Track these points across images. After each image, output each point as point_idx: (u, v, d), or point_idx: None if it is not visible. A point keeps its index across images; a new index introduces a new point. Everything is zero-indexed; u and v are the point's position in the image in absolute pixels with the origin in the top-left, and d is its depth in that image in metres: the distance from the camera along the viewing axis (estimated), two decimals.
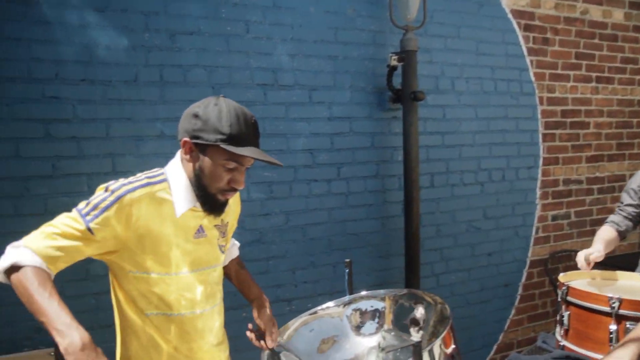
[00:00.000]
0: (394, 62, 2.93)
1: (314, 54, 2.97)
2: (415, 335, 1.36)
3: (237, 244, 1.91)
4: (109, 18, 2.50)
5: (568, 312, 2.24)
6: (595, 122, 4.08)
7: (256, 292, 1.84)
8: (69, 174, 2.45)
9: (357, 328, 2.10)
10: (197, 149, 1.43)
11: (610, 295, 2.02)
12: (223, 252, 1.66)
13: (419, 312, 1.91)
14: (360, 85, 3.13)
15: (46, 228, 1.35)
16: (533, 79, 3.76)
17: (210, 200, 1.49)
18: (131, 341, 1.54)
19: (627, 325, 1.97)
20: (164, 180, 1.49)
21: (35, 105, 2.38)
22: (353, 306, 2.13)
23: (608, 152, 4.18)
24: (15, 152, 2.36)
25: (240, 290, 1.87)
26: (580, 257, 2.40)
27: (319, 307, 2.12)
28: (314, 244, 3.04)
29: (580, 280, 2.46)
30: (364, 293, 2.12)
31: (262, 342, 1.73)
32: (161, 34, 2.61)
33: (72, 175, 2.46)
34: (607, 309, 2.03)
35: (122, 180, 1.43)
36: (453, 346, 1.71)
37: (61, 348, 1.16)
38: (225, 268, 1.84)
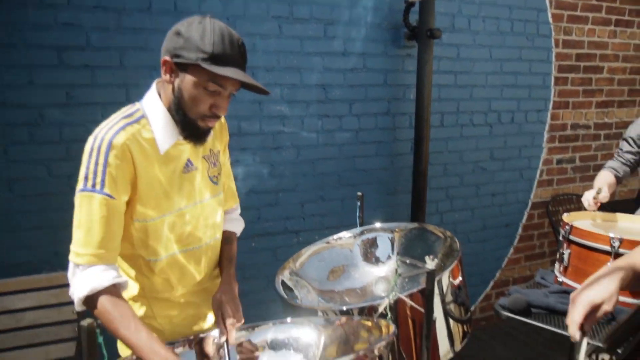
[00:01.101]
0: None
1: None
2: (430, 264, 1.43)
3: (242, 220, 1.81)
4: None
5: (569, 251, 2.32)
6: (610, 67, 4.03)
7: (226, 273, 1.64)
8: (84, 103, 2.46)
9: (367, 258, 2.19)
10: (178, 69, 1.33)
11: (612, 235, 2.09)
12: (216, 182, 1.58)
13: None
14: (375, 22, 3.07)
15: (80, 232, 1.29)
16: (551, 20, 3.68)
17: (190, 126, 1.39)
18: (130, 283, 1.48)
19: None
20: (142, 116, 1.38)
21: (49, 32, 2.36)
22: (363, 237, 2.21)
23: (619, 98, 4.16)
24: (29, 80, 2.36)
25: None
26: (589, 197, 2.47)
27: (331, 237, 2.20)
28: (323, 178, 3.09)
29: (582, 221, 2.54)
30: (377, 225, 2.19)
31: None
32: None
33: (87, 104, 2.47)
34: (607, 247, 2.12)
35: (98, 133, 1.33)
36: (460, 278, 1.80)
37: None
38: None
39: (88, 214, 1.29)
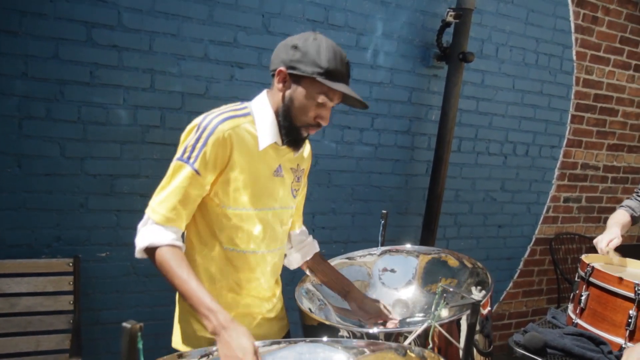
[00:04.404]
0: (449, 18, 2.82)
1: None
2: (477, 295, 1.37)
3: (316, 240, 1.92)
4: None
5: (588, 293, 2.27)
6: (624, 111, 4.04)
7: (348, 283, 1.86)
8: (107, 84, 2.35)
9: (387, 280, 2.11)
10: (291, 79, 1.44)
11: (637, 282, 2.05)
12: (295, 196, 1.67)
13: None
14: (408, 37, 3.02)
15: (162, 193, 1.41)
16: (574, 57, 3.68)
17: (294, 132, 1.50)
18: (196, 269, 1.54)
19: None
20: (249, 114, 1.49)
21: (80, 5, 2.25)
22: (386, 257, 2.13)
23: (629, 142, 4.16)
24: (54, 53, 2.25)
25: (326, 283, 1.90)
26: (603, 242, 2.42)
27: (353, 254, 2.12)
28: (337, 191, 3.02)
29: (596, 263, 2.50)
30: (407, 246, 2.12)
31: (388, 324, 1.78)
32: None
33: (110, 85, 2.36)
34: (631, 294, 2.06)
35: (207, 115, 1.44)
36: (488, 308, 1.74)
37: (209, 329, 1.28)
38: (308, 262, 1.88)
39: (174, 180, 1.41)
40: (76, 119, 2.33)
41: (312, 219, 2.97)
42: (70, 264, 2.34)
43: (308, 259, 1.87)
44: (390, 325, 1.74)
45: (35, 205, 2.32)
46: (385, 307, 1.79)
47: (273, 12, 2.61)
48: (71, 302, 2.31)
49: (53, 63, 2.25)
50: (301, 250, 1.85)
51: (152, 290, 2.61)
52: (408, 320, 1.92)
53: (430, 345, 1.38)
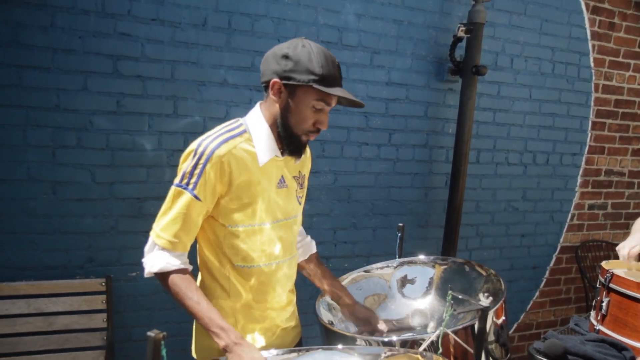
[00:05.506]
0: (460, 33, 2.88)
1: (380, 16, 2.93)
2: (485, 301, 1.41)
3: (313, 241, 1.95)
4: None
5: (608, 299, 2.26)
6: None
7: (342, 288, 1.91)
8: (132, 112, 2.49)
9: (404, 290, 2.16)
10: (286, 89, 1.44)
11: None
12: (300, 203, 1.70)
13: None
14: (421, 53, 3.09)
15: (165, 218, 1.45)
16: (592, 64, 3.68)
17: (295, 141, 1.50)
18: (214, 287, 1.59)
19: None
20: (244, 131, 1.49)
21: (106, 40, 2.40)
22: (402, 269, 2.18)
23: None
24: (83, 86, 2.40)
25: (320, 286, 1.93)
26: (625, 249, 2.41)
27: (371, 266, 2.17)
28: (357, 206, 3.08)
29: (618, 269, 2.48)
30: (419, 257, 2.17)
31: (376, 333, 1.83)
32: None
33: (135, 113, 2.49)
34: None
35: (204, 140, 1.44)
36: (503, 318, 1.77)
37: (221, 346, 1.38)
38: (303, 263, 1.89)
39: (174, 206, 1.44)
40: (105, 146, 2.47)
41: (334, 234, 3.04)
42: (103, 284, 2.46)
43: (305, 258, 1.88)
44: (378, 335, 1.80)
45: (68, 229, 2.46)
46: (376, 317, 1.84)
47: (288, 36, 2.72)
48: (104, 320, 2.42)
49: (83, 95, 2.40)
50: (299, 249, 1.86)
51: (180, 308, 2.69)
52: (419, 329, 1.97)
53: (440, 351, 1.42)
